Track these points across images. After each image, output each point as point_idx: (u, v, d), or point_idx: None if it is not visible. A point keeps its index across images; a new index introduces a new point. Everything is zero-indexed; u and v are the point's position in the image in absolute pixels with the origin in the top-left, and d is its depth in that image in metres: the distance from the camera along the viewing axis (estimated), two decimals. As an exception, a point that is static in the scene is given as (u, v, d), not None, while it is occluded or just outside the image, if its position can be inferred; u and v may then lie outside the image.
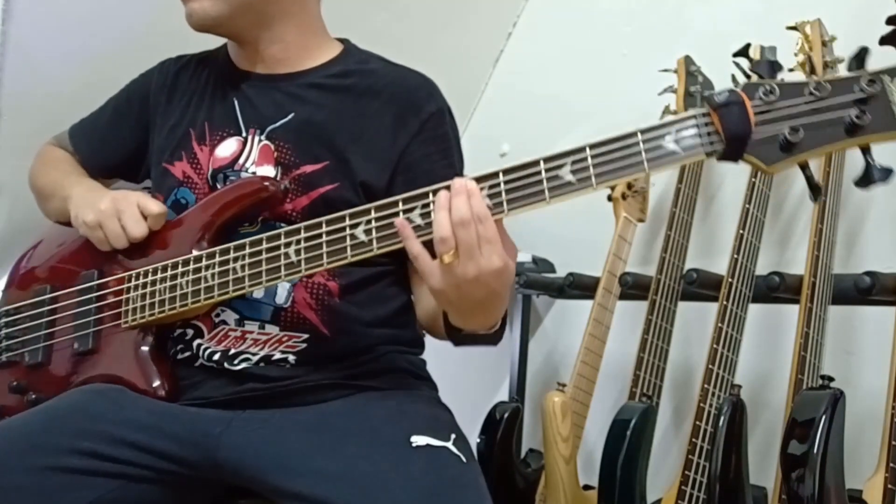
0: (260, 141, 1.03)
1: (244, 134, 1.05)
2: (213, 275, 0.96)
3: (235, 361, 0.99)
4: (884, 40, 1.31)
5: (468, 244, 0.78)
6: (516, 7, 2.23)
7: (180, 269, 0.98)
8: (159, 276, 1.00)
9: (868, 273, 1.23)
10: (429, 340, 1.13)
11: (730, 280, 1.35)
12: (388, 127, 1.03)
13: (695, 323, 1.65)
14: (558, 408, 1.51)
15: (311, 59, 1.09)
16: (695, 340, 1.66)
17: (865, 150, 0.77)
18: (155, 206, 1.02)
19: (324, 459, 0.88)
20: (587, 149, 0.81)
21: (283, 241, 0.92)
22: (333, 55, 1.10)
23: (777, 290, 1.32)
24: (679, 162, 0.80)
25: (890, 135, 0.77)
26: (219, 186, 1.03)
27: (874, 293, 1.22)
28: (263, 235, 0.94)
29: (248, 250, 0.94)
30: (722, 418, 1.20)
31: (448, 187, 0.81)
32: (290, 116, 1.04)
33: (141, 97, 1.15)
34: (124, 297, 1.02)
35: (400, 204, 0.86)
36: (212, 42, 1.16)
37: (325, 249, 0.89)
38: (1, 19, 1.45)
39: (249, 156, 1.03)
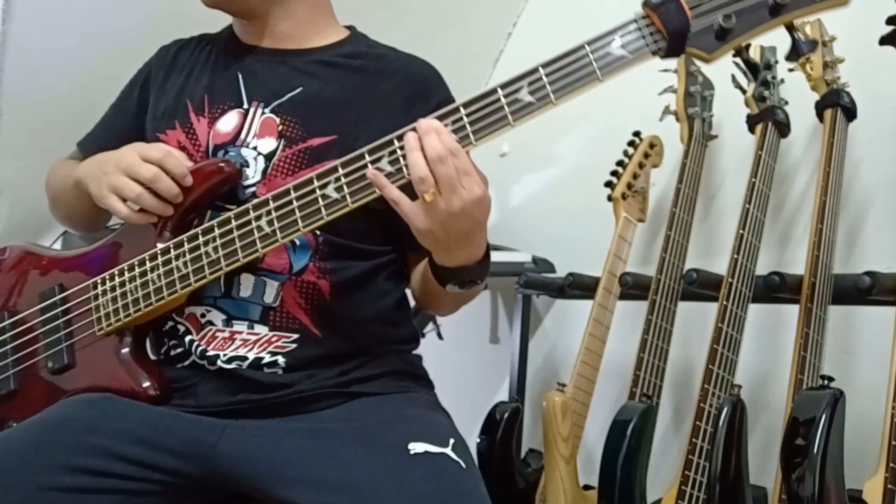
0: (263, 114, 1.03)
1: (245, 106, 1.04)
2: (185, 262, 0.94)
3: (227, 361, 0.97)
4: (884, 40, 1.31)
5: (448, 178, 0.81)
6: (516, 7, 2.23)
7: (149, 265, 0.96)
8: (127, 276, 0.97)
9: (868, 273, 1.23)
10: (428, 341, 1.13)
11: (730, 280, 1.35)
12: (398, 110, 1.03)
13: (695, 323, 1.65)
14: (558, 408, 1.51)
15: (320, 38, 1.09)
16: (695, 340, 1.66)
17: (790, 28, 0.86)
18: (154, 152, 0.97)
19: (321, 468, 0.87)
20: (540, 68, 0.84)
21: (252, 215, 0.91)
22: (342, 37, 1.11)
23: (777, 290, 1.32)
24: (629, 65, 0.85)
25: (809, 10, 0.85)
26: None
27: (874, 293, 1.22)
28: (231, 213, 0.92)
29: (217, 231, 0.93)
30: (722, 418, 1.20)
31: (414, 129, 0.83)
32: (297, 90, 1.03)
33: (142, 83, 1.15)
34: (93, 304, 1.00)
35: (366, 156, 0.86)
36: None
37: (298, 214, 0.89)
38: (1, 19, 1.45)
39: (251, 129, 1.02)
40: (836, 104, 1.40)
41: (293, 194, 0.89)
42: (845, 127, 1.41)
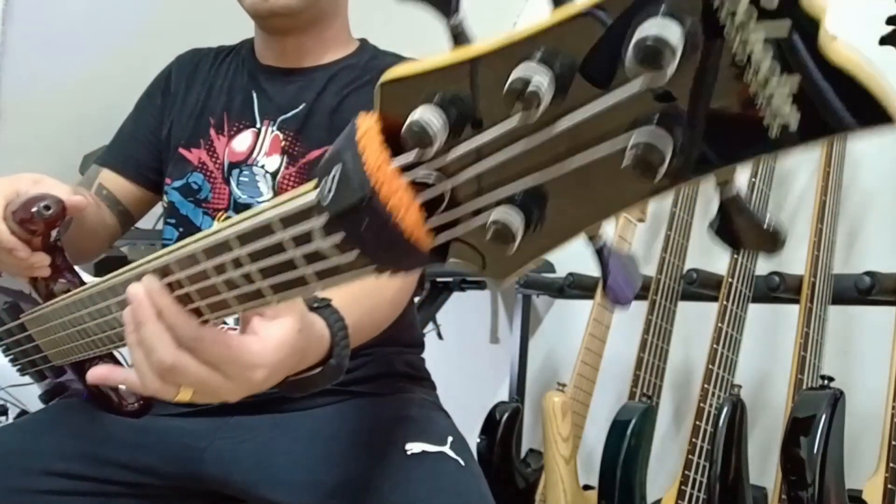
0: (272, 132, 1.04)
1: (258, 126, 1.05)
2: (70, 335, 0.77)
3: None
4: (884, 40, 1.31)
5: (195, 383, 0.55)
6: (516, 7, 2.23)
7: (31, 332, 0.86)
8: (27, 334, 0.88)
9: (868, 273, 1.23)
10: (428, 341, 1.13)
11: (730, 280, 1.35)
12: None
13: (695, 323, 1.65)
14: (558, 408, 1.51)
15: (335, 53, 1.09)
16: (695, 340, 1.66)
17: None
18: None
19: (315, 471, 0.86)
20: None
21: (101, 304, 0.65)
22: (351, 50, 1.11)
23: (777, 290, 1.32)
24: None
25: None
26: (232, 182, 1.03)
27: (874, 293, 1.22)
28: (94, 290, 0.67)
29: (87, 309, 0.69)
30: (722, 418, 1.20)
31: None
32: (301, 107, 1.04)
33: (162, 90, 1.14)
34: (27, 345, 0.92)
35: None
36: (216, 38, 1.16)
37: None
38: (1, 19, 1.45)
39: (262, 148, 1.03)
40: (836, 104, 1.40)
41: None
42: (845, 127, 1.41)
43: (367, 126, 0.37)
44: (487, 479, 0.90)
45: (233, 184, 1.03)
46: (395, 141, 0.36)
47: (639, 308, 1.59)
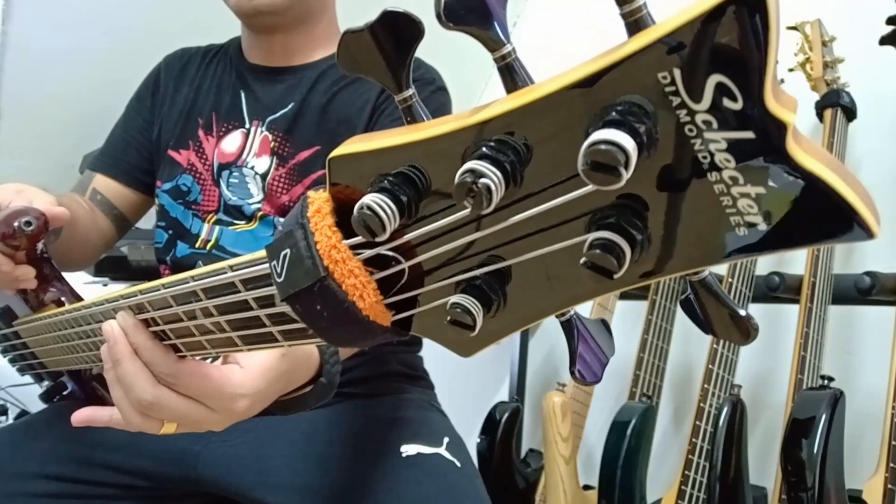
0: (261, 132, 1.03)
1: (247, 126, 1.04)
2: (62, 349, 0.78)
3: None
4: (884, 40, 1.31)
5: (178, 417, 0.55)
6: (516, 7, 2.23)
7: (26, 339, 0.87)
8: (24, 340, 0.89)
9: (868, 273, 1.23)
10: (428, 340, 1.13)
11: (730, 280, 1.35)
12: (372, 102, 1.02)
13: (695, 323, 1.65)
14: (558, 408, 1.51)
15: (323, 51, 1.09)
16: (695, 340, 1.66)
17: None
18: None
19: (310, 474, 0.86)
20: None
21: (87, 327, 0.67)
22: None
23: (777, 290, 1.32)
24: None
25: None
26: (222, 183, 1.03)
27: (874, 293, 1.22)
28: (71, 316, 0.69)
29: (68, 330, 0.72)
30: (722, 418, 1.20)
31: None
32: (289, 106, 1.03)
33: (152, 91, 1.14)
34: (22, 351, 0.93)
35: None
36: (217, 39, 1.16)
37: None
38: (1, 19, 1.45)
39: (251, 149, 1.02)
40: (836, 104, 1.40)
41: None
42: (845, 127, 1.41)
43: (318, 204, 0.36)
44: (487, 479, 0.90)
45: (223, 185, 1.02)
46: (347, 216, 0.35)
47: (639, 308, 1.59)
